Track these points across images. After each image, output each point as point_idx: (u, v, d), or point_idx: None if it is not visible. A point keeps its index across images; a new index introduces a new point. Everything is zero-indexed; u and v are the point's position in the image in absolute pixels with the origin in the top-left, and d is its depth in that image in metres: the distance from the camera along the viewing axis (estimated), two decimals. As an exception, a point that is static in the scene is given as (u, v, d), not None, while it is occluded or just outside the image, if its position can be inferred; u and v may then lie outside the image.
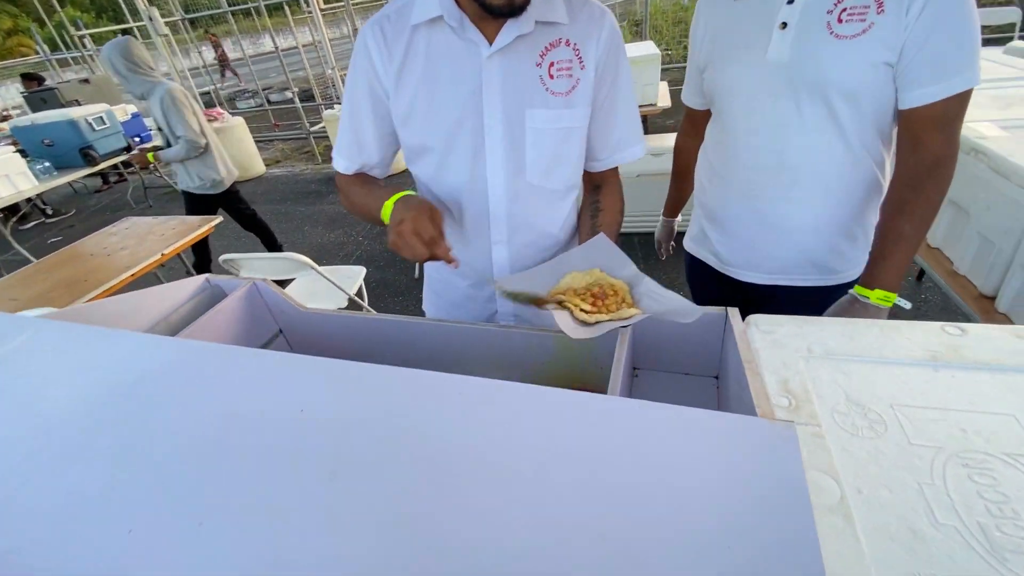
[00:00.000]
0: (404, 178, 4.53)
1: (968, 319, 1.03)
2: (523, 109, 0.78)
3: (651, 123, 4.04)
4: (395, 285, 3.21)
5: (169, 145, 2.67)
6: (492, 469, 0.41)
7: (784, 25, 0.85)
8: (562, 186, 0.88)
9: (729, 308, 0.68)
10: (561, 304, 0.71)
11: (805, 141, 0.90)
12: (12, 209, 5.00)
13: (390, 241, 0.72)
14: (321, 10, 5.25)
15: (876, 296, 0.87)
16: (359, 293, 2.27)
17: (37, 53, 9.09)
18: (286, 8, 7.74)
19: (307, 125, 6.41)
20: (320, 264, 2.05)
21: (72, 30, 7.31)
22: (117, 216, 2.69)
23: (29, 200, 5.11)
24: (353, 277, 2.28)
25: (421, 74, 0.78)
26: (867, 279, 0.89)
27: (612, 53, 0.80)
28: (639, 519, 0.35)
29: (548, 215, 0.91)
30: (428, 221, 0.70)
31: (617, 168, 0.93)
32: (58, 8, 8.07)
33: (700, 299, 1.29)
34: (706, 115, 1.11)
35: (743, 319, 0.67)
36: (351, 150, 0.90)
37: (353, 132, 0.88)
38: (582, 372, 0.83)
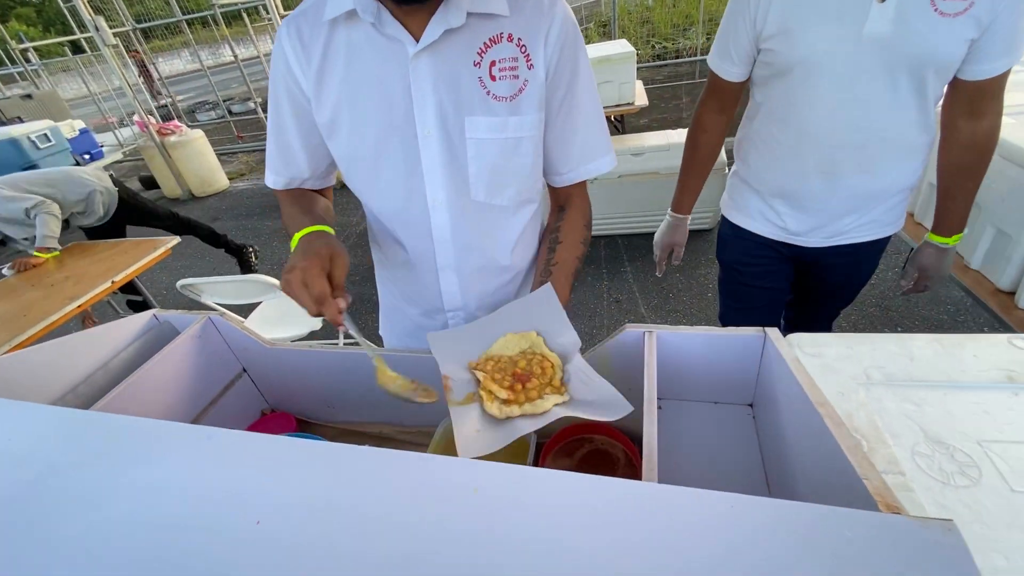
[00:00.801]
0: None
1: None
2: (461, 116, 0.67)
3: (628, 123, 4.00)
4: (373, 300, 3.05)
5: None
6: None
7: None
8: (511, 203, 0.76)
9: (768, 328, 0.58)
10: (478, 386, 0.60)
11: (895, 117, 0.91)
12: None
13: (281, 287, 0.61)
14: (281, 16, 5.05)
15: (954, 240, 1.00)
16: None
17: (-24, 69, 8.56)
18: (244, 16, 7.49)
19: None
20: (290, 284, 1.90)
21: (14, 43, 6.89)
22: (67, 239, 2.47)
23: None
24: (327, 295, 2.13)
25: (342, 77, 0.67)
26: (945, 229, 1.00)
27: (567, 49, 0.67)
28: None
29: (499, 236, 0.79)
30: (319, 273, 0.58)
31: (584, 183, 0.81)
32: (2, 29, 7.59)
33: (734, 269, 1.27)
34: (740, 88, 1.05)
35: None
36: (277, 163, 0.79)
37: (277, 144, 0.77)
38: (595, 405, 0.73)
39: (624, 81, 3.17)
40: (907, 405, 0.50)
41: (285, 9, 5.74)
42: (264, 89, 8.25)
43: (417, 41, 0.63)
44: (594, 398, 0.55)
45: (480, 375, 0.59)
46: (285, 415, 0.96)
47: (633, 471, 0.70)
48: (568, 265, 0.74)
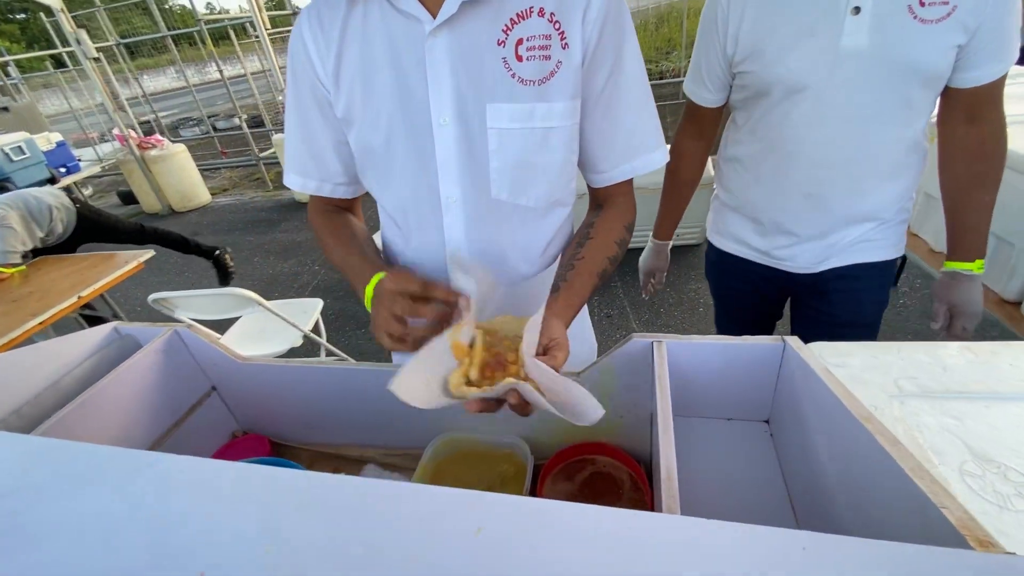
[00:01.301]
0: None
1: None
2: (483, 103, 0.59)
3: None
4: (357, 316, 2.98)
5: None
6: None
7: (857, 10, 0.79)
8: (538, 204, 0.68)
9: (788, 337, 0.54)
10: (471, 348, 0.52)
11: (881, 133, 0.87)
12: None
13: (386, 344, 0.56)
14: (269, 34, 5.03)
15: (978, 266, 0.91)
16: (316, 328, 2.05)
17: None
18: (231, 33, 7.48)
19: (256, 151, 6.10)
20: (272, 298, 1.82)
21: (-8, 57, 6.77)
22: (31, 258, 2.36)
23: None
24: (308, 311, 2.05)
25: (357, 61, 0.61)
26: (963, 253, 0.91)
27: (611, 25, 0.59)
28: None
29: (521, 242, 0.71)
30: (390, 319, 0.53)
31: (629, 183, 0.72)
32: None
33: (726, 297, 1.24)
34: (717, 113, 1.02)
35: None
36: (304, 163, 0.72)
37: (304, 142, 0.71)
38: (599, 422, 0.68)
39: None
40: (947, 419, 0.46)
41: (272, 26, 5.74)
42: (250, 106, 8.21)
43: (435, 17, 0.56)
44: (563, 396, 0.47)
45: (478, 339, 0.51)
46: (258, 437, 0.88)
47: (639, 495, 0.64)
48: (595, 264, 0.65)
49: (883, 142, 0.87)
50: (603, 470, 0.69)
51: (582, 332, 0.89)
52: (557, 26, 0.58)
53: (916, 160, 0.91)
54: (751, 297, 1.17)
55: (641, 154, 0.67)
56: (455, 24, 0.57)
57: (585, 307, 0.91)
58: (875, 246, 0.97)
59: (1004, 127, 0.85)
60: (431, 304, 0.53)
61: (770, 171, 0.97)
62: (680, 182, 1.13)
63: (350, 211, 0.80)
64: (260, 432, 0.90)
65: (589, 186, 0.74)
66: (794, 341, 0.54)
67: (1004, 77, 0.81)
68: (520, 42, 0.58)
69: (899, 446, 0.32)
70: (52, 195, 2.41)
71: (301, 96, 0.68)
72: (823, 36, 0.82)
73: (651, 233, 1.24)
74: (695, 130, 1.07)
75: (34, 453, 0.40)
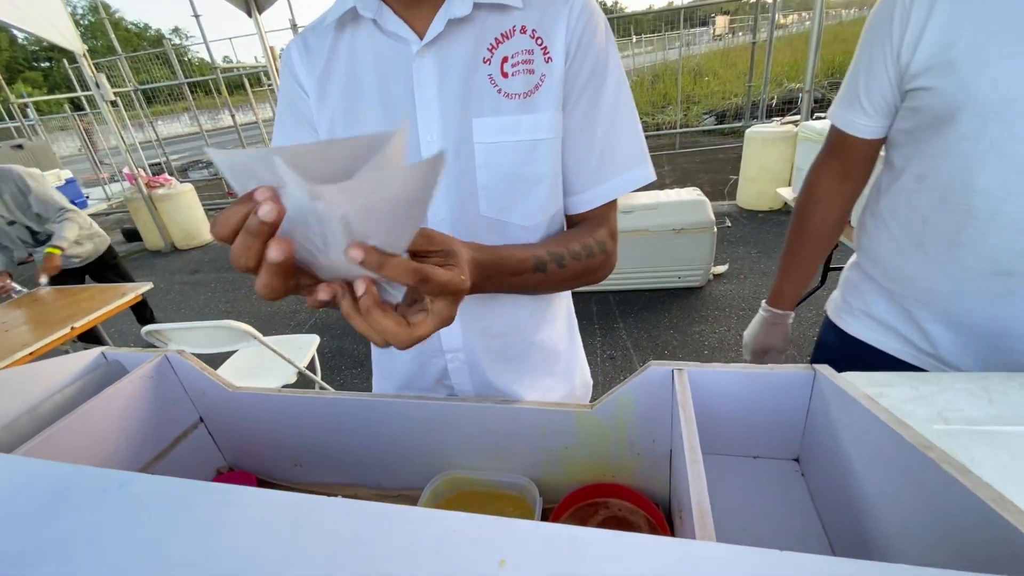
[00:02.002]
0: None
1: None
2: (469, 118, 0.59)
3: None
4: (353, 355, 2.92)
5: (36, 235, 2.39)
6: None
7: None
8: (528, 221, 0.65)
9: (819, 366, 0.50)
10: None
11: None
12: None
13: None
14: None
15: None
16: (311, 366, 1.99)
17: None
18: (246, 83, 7.81)
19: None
20: (268, 334, 1.78)
21: (14, 98, 7.02)
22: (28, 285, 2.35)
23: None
24: (304, 347, 2.01)
25: (343, 84, 0.62)
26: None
27: (588, 35, 0.59)
28: None
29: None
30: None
31: (609, 211, 0.67)
32: (4, 86, 7.77)
33: None
34: (873, 148, 0.79)
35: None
36: None
37: None
38: (613, 460, 0.63)
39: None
40: (1001, 454, 0.42)
41: (286, 75, 5.99)
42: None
43: (422, 38, 0.58)
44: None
45: None
46: (244, 474, 0.83)
47: (659, 542, 0.58)
48: (545, 244, 0.61)
49: None
50: (618, 514, 0.63)
51: (571, 366, 0.84)
52: (539, 42, 0.59)
53: None
54: None
55: (623, 171, 0.64)
56: (442, 43, 0.58)
57: (578, 338, 0.87)
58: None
59: None
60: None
61: (942, 235, 0.70)
62: (813, 234, 0.88)
63: None
64: (246, 469, 0.84)
65: (567, 216, 0.69)
66: (826, 370, 0.50)
67: None
68: (505, 59, 0.59)
69: (971, 475, 0.28)
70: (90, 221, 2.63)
71: (284, 117, 0.68)
72: None
73: (764, 302, 0.98)
74: (840, 169, 0.82)
75: (3, 472, 0.36)
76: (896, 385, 0.50)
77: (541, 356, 0.78)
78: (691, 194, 2.96)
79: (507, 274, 0.56)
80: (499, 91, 0.59)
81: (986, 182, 0.64)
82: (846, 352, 0.87)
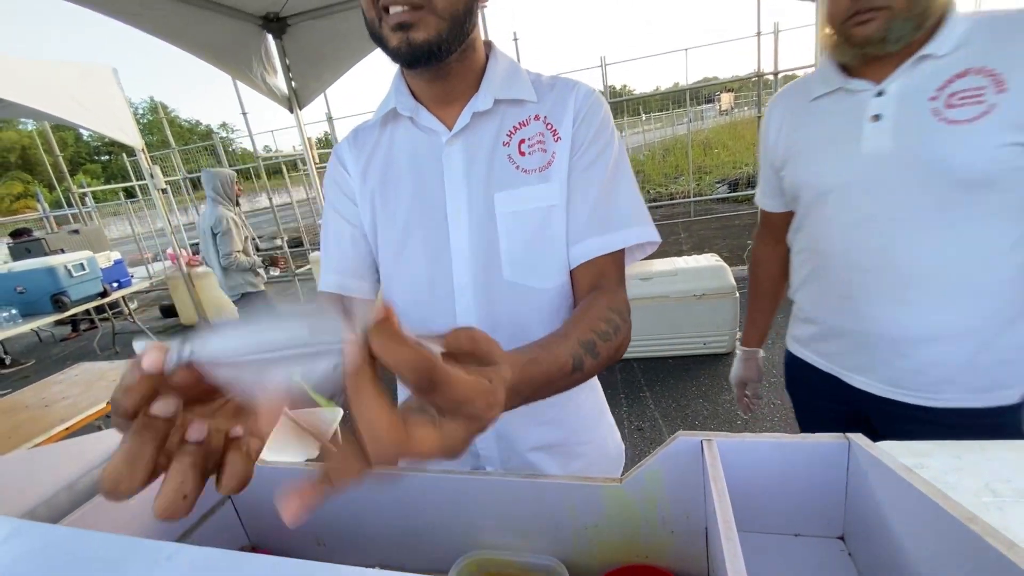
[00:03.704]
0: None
1: None
2: (491, 193, 0.66)
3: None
4: (376, 428, 2.88)
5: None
6: None
7: (877, 117, 0.80)
8: (549, 284, 0.69)
9: (852, 435, 0.49)
10: None
11: (917, 236, 0.80)
12: (-37, 361, 4.66)
13: None
14: (318, 167, 5.66)
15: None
16: (335, 440, 1.98)
17: (38, 212, 9.46)
18: (284, 168, 8.44)
19: (292, 268, 6.49)
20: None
21: (75, 188, 7.71)
22: (78, 356, 2.44)
23: (-16, 350, 4.81)
24: (329, 421, 2.00)
25: (382, 170, 0.72)
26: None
27: (589, 117, 0.67)
28: None
29: (531, 322, 0.70)
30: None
31: (616, 266, 0.68)
32: (66, 171, 8.61)
33: (806, 412, 1.12)
34: (786, 218, 1.04)
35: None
36: (328, 265, 0.78)
37: (331, 250, 0.77)
38: (645, 538, 0.60)
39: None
40: None
41: (321, 162, 6.47)
42: (292, 229, 8.94)
43: (450, 129, 0.67)
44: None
45: None
46: (266, 554, 0.81)
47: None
48: (559, 343, 0.53)
49: (918, 246, 0.80)
50: (653, 600, 0.60)
51: (603, 432, 0.84)
52: (550, 126, 0.67)
53: (997, 277, 0.77)
54: (821, 419, 1.07)
55: (619, 228, 0.66)
56: (467, 133, 0.67)
57: (606, 407, 0.87)
58: (966, 388, 0.82)
59: None
60: None
61: (813, 273, 0.98)
62: (761, 288, 1.17)
63: None
64: (269, 549, 0.83)
65: (571, 271, 0.70)
66: (860, 439, 0.49)
67: None
68: (522, 141, 0.67)
69: (1017, 548, 0.27)
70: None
71: (334, 202, 0.77)
72: (844, 142, 0.84)
73: (739, 340, 1.27)
74: (770, 236, 1.11)
75: (58, 543, 0.37)
76: (936, 455, 0.48)
77: (572, 422, 0.78)
78: (710, 260, 2.99)
79: (544, 386, 0.48)
80: (517, 168, 0.66)
81: (824, 232, 0.92)
82: (794, 366, 1.09)
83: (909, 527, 0.39)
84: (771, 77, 5.97)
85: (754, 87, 6.43)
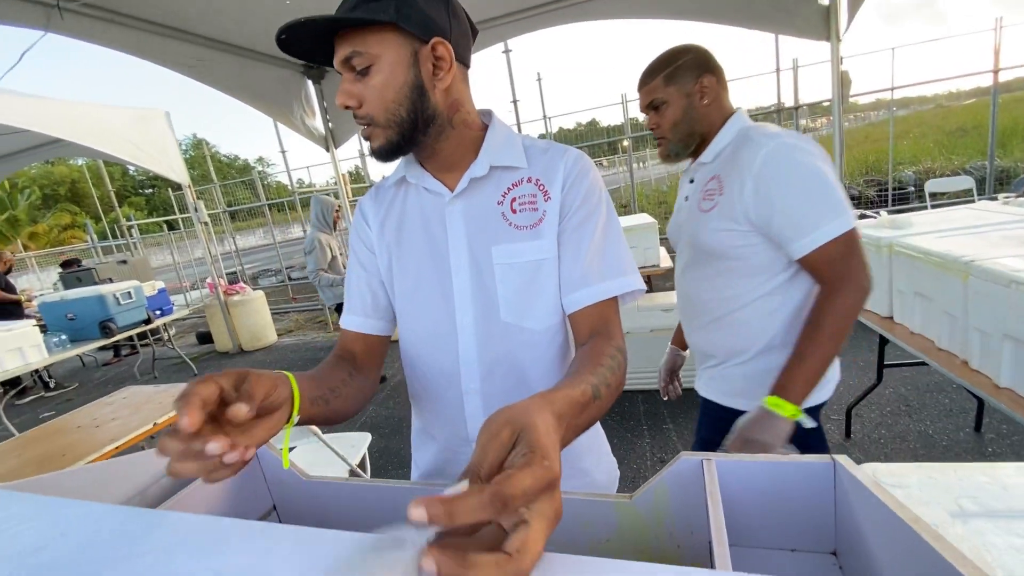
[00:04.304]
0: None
1: None
2: (488, 247, 0.76)
3: (655, 284, 4.20)
4: (400, 455, 2.95)
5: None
6: None
7: (686, 198, 1.18)
8: (541, 326, 0.77)
9: (837, 456, 0.55)
10: None
11: (699, 286, 1.15)
12: (13, 382, 4.95)
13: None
14: (351, 201, 5.93)
15: (788, 410, 0.91)
16: (362, 463, 2.05)
17: (86, 242, 10.08)
18: (316, 201, 8.81)
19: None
20: (324, 431, 1.89)
21: (124, 221, 8.20)
22: (117, 389, 2.60)
23: (35, 372, 5.09)
24: (358, 445, 2.09)
25: (396, 226, 0.83)
26: (778, 390, 0.94)
27: (579, 180, 0.75)
28: None
29: (526, 359, 0.78)
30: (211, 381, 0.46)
31: (610, 312, 0.74)
32: (116, 207, 9.21)
33: (700, 436, 1.30)
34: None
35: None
36: (351, 305, 0.88)
37: (353, 291, 0.87)
38: (656, 554, 0.65)
39: (648, 247, 3.44)
40: (1015, 539, 0.44)
41: (354, 196, 6.77)
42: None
43: (452, 191, 0.77)
44: None
45: None
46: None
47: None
48: (583, 376, 0.60)
49: (701, 294, 1.14)
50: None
51: (598, 459, 0.90)
52: (541, 187, 0.76)
53: (737, 318, 1.08)
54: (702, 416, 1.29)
55: (606, 279, 0.73)
56: (466, 194, 0.77)
57: (601, 430, 0.93)
58: (714, 382, 1.18)
59: (838, 287, 0.92)
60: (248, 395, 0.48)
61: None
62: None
63: (356, 367, 0.82)
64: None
65: (571, 317, 0.76)
66: (844, 460, 0.54)
67: (829, 245, 0.91)
68: (514, 199, 0.76)
69: (967, 561, 0.32)
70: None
71: (356, 252, 0.88)
72: (677, 212, 1.23)
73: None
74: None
75: (157, 524, 0.46)
76: (914, 475, 0.53)
77: (569, 449, 0.84)
78: (730, 292, 3.01)
79: (579, 409, 0.54)
80: (510, 224, 0.76)
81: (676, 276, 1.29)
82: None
83: (885, 543, 0.45)
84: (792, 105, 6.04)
85: (776, 119, 6.51)
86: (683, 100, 1.07)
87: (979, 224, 1.62)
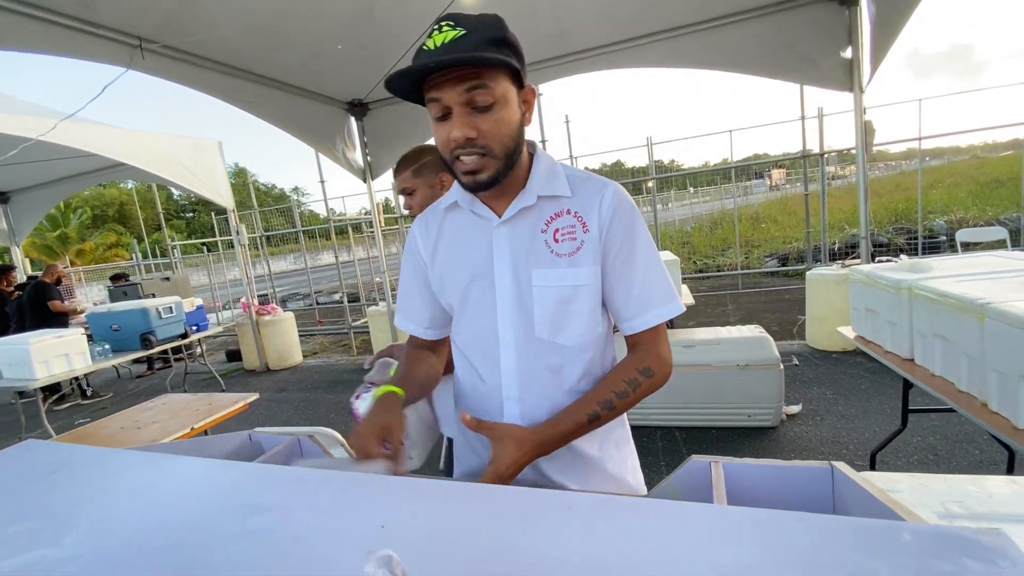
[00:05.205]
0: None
1: None
2: (529, 270, 0.84)
3: (677, 323, 4.21)
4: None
5: None
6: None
7: None
8: (572, 343, 0.87)
9: (836, 463, 0.60)
10: None
11: None
12: (53, 389, 5.19)
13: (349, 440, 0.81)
14: (383, 230, 6.19)
15: None
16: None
17: (130, 259, 10.64)
18: (350, 230, 9.17)
19: (349, 321, 6.89)
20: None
21: (168, 241, 8.66)
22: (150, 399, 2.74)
23: (74, 380, 5.33)
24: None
25: (447, 248, 0.92)
26: None
27: (619, 216, 0.84)
28: None
29: (559, 371, 0.88)
30: (371, 437, 0.75)
31: (654, 333, 0.87)
32: (163, 227, 9.75)
33: None
34: None
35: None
36: (407, 313, 1.02)
37: (406, 297, 1.01)
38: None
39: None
40: None
41: (385, 225, 7.04)
42: (351, 285, 9.54)
43: (499, 217, 0.86)
44: None
45: None
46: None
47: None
48: (595, 395, 0.84)
49: None
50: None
51: (623, 472, 0.96)
52: (580, 218, 0.85)
53: None
54: None
55: (655, 307, 0.85)
56: (513, 221, 0.86)
57: (630, 440, 1.00)
58: None
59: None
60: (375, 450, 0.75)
61: None
62: None
63: (433, 350, 1.03)
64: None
65: (625, 337, 0.90)
66: (843, 466, 0.60)
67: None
68: (557, 230, 0.85)
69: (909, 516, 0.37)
70: None
71: (410, 272, 0.99)
72: None
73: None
74: None
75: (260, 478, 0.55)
76: (906, 483, 0.58)
77: (594, 463, 0.90)
78: (753, 331, 3.02)
79: (565, 436, 0.82)
80: (552, 252, 0.85)
81: None
82: None
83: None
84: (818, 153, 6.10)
85: (803, 165, 6.57)
86: (428, 190, 1.34)
87: (1000, 270, 1.64)
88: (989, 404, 1.32)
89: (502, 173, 0.79)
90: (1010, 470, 2.11)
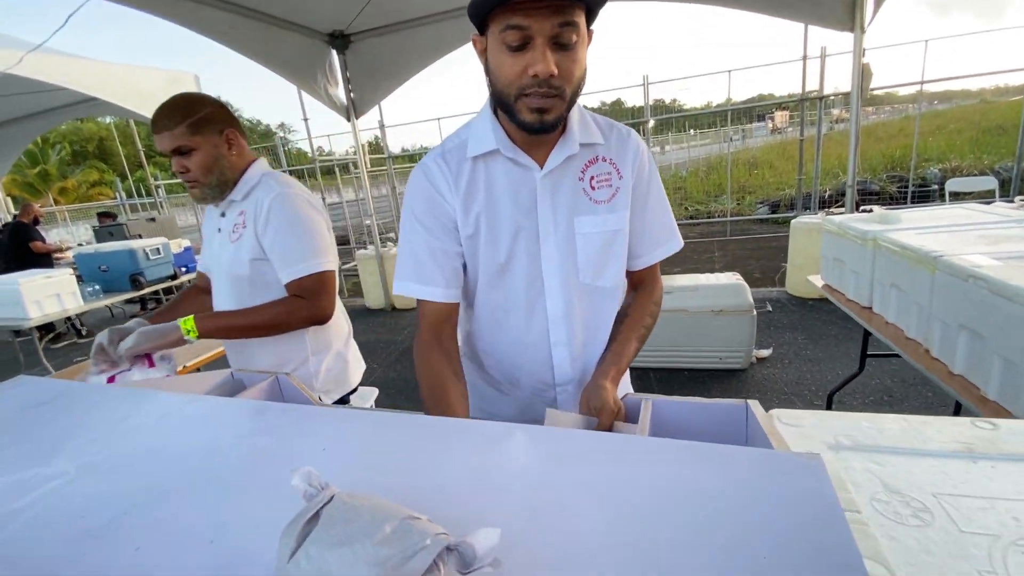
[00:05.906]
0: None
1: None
2: (572, 218, 0.87)
3: (661, 267, 4.28)
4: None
5: None
6: (525, 505, 0.39)
7: (219, 230, 1.34)
8: (611, 284, 0.93)
9: (750, 401, 0.67)
10: None
11: (229, 305, 1.36)
12: (48, 328, 5.27)
13: None
14: (368, 171, 6.07)
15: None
16: (369, 415, 2.22)
17: (114, 199, 10.42)
18: (337, 171, 8.96)
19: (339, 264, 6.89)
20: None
21: (152, 181, 8.46)
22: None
23: (68, 320, 5.41)
24: (366, 397, 2.26)
25: (484, 200, 0.86)
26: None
27: (645, 164, 0.92)
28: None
29: (601, 313, 0.96)
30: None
31: (655, 268, 0.99)
32: (145, 164, 9.47)
33: None
34: None
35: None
36: (420, 274, 0.89)
37: (414, 259, 0.89)
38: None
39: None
40: (871, 464, 0.56)
41: (372, 166, 6.88)
42: (339, 228, 9.46)
43: (541, 167, 0.85)
44: None
45: None
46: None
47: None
48: (630, 332, 0.92)
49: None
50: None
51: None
52: (614, 165, 0.89)
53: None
54: None
55: (664, 243, 0.96)
56: (554, 171, 0.86)
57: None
58: None
59: (295, 307, 1.24)
60: None
61: None
62: None
63: (451, 331, 0.93)
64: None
65: (628, 272, 0.98)
66: (754, 404, 0.67)
67: (303, 279, 1.22)
68: (593, 177, 0.89)
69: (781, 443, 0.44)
70: None
71: (423, 227, 0.88)
72: (213, 242, 1.39)
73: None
74: None
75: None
76: (808, 419, 0.65)
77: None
78: (730, 278, 3.09)
79: (625, 368, 0.90)
80: (590, 199, 0.88)
81: None
82: None
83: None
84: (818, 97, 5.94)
85: (801, 108, 6.41)
86: (212, 150, 1.18)
87: (965, 223, 1.69)
88: (932, 351, 1.41)
89: (563, 117, 0.78)
90: (956, 412, 2.26)
